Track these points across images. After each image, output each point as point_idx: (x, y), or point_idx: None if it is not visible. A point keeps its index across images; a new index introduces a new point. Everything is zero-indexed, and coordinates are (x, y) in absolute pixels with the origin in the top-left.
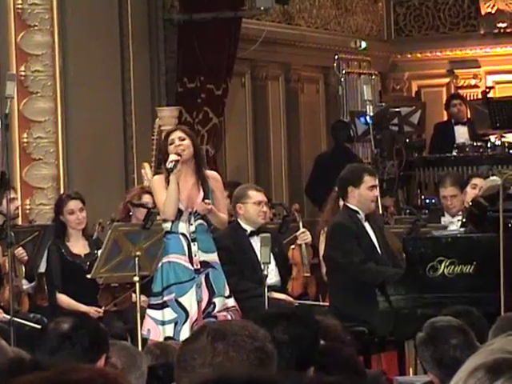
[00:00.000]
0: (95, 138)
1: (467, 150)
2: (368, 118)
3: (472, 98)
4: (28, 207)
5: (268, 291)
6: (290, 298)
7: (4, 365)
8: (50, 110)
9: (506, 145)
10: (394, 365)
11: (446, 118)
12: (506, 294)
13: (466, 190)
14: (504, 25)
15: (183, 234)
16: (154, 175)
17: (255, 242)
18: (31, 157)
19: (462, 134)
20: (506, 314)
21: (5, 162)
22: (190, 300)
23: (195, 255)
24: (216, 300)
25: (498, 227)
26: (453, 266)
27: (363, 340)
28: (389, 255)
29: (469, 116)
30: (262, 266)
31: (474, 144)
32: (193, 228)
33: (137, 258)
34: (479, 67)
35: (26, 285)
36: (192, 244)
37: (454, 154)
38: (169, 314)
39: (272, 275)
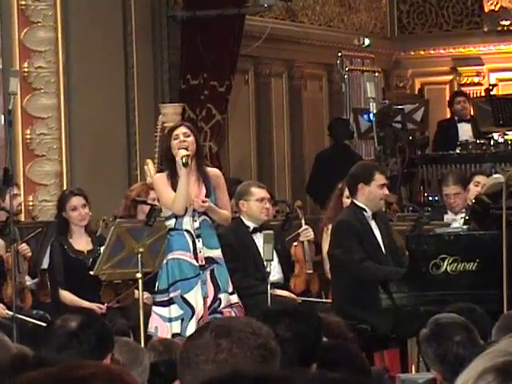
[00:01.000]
0: (98, 135)
1: (470, 147)
2: (371, 115)
3: (475, 95)
4: (31, 203)
5: (271, 288)
6: (293, 295)
7: (7, 361)
8: (53, 106)
9: (509, 142)
10: (396, 362)
11: (449, 116)
12: (509, 292)
13: (468, 188)
14: (507, 22)
15: (187, 231)
16: (157, 172)
17: (258, 239)
18: (34, 153)
19: (465, 131)
20: (508, 311)
21: (8, 159)
22: (195, 296)
23: (200, 251)
24: (221, 296)
25: (500, 225)
26: (456, 264)
27: (365, 337)
28: (394, 254)
29: (472, 113)
30: (265, 263)
31: (477, 141)
32: (197, 224)
33: (139, 255)
34: (482, 65)
35: (28, 281)
36: (197, 240)
37: (457, 151)
38: (175, 310)
39: (275, 272)
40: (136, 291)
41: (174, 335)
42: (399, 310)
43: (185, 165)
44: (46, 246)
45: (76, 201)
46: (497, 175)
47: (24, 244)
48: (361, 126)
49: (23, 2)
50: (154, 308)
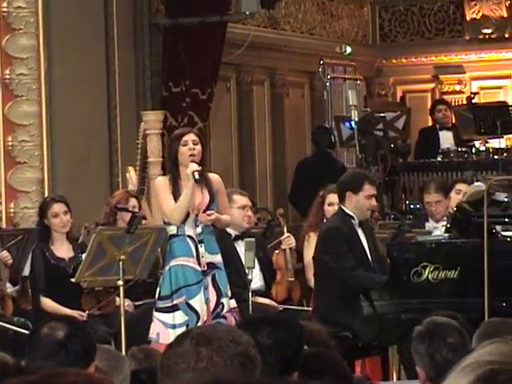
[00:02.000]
0: (80, 142)
1: (452, 155)
2: (353, 123)
3: (457, 103)
4: (12, 211)
5: (252, 296)
6: (274, 303)
7: None
8: (35, 113)
9: (491, 150)
10: (377, 370)
11: (430, 124)
12: (490, 300)
13: (450, 196)
14: (489, 30)
15: (190, 237)
16: (138, 179)
17: (240, 247)
18: (16, 160)
19: (446, 139)
20: (489, 319)
21: None
22: (200, 302)
23: (202, 256)
24: (224, 300)
25: (482, 233)
26: (437, 272)
27: (347, 345)
28: (379, 261)
29: (453, 122)
30: (247, 271)
31: (459, 149)
32: (199, 230)
33: (121, 262)
34: (464, 73)
35: (9, 288)
36: (199, 246)
37: (439, 159)
38: (180, 316)
39: (256, 280)
40: (117, 298)
41: None
42: (380, 318)
43: (197, 181)
44: (28, 253)
45: (57, 208)
46: (478, 183)
47: (5, 251)
48: (343, 133)
49: (5, 9)
50: (157, 314)
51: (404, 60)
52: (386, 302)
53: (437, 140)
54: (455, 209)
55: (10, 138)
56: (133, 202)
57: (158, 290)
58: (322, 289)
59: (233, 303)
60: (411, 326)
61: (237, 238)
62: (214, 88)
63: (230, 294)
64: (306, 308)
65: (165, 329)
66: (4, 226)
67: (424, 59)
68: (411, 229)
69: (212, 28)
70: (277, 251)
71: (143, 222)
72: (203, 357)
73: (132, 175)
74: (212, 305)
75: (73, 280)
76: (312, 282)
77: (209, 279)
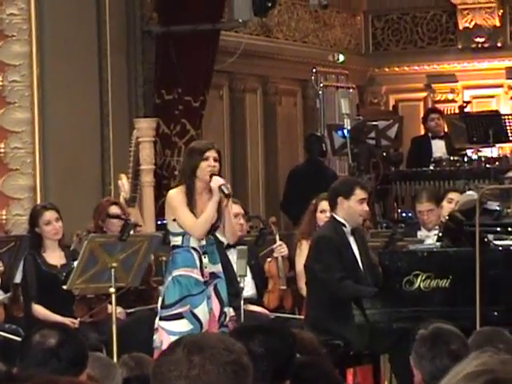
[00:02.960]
0: (72, 149)
1: (444, 164)
2: (345, 131)
3: (449, 112)
4: (4, 217)
5: (244, 304)
6: (266, 311)
7: None
8: (27, 120)
9: (483, 159)
10: (369, 378)
11: (423, 132)
12: (482, 309)
13: (442, 205)
14: (482, 40)
15: (194, 248)
16: (131, 186)
17: (232, 255)
18: (8, 167)
19: (439, 148)
20: (481, 328)
21: None
22: (203, 311)
23: (206, 267)
24: (226, 310)
25: (474, 241)
26: (429, 280)
27: (339, 353)
28: (370, 270)
29: (446, 130)
30: (239, 279)
31: (451, 158)
32: (203, 241)
33: (113, 270)
34: (457, 82)
35: (1, 295)
36: (203, 257)
37: (431, 168)
38: (185, 325)
39: (248, 288)
40: (109, 306)
41: None
42: (372, 327)
43: (227, 196)
44: (19, 260)
45: (49, 215)
46: (470, 192)
47: None
48: (335, 142)
49: None
50: (161, 323)
51: (396, 69)
52: (378, 310)
53: (429, 149)
54: (447, 218)
55: (2, 145)
56: (113, 209)
57: (160, 299)
58: (313, 297)
59: (231, 311)
60: (403, 334)
61: (229, 245)
62: (206, 96)
63: (229, 302)
64: (297, 316)
65: (168, 337)
66: None
67: (416, 68)
68: (403, 237)
69: (205, 36)
70: (269, 259)
71: (138, 229)
72: (195, 365)
73: (124, 182)
74: (216, 314)
75: (65, 287)
76: (304, 291)
77: (211, 289)
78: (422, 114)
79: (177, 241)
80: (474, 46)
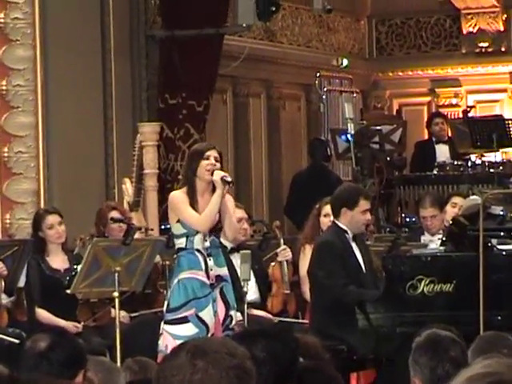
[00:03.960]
0: (76, 153)
1: (448, 168)
2: (349, 135)
3: (453, 116)
4: (8, 222)
5: (247, 308)
6: (270, 315)
7: None
8: (31, 124)
9: (487, 164)
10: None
11: (426, 137)
12: (485, 314)
13: (445, 209)
14: (485, 44)
15: (198, 250)
16: (134, 190)
17: (235, 259)
18: (12, 171)
19: (442, 152)
20: (485, 333)
21: None
22: (209, 314)
23: (211, 269)
24: (232, 313)
25: (477, 246)
26: (432, 285)
27: (342, 358)
28: (373, 275)
29: (450, 135)
30: (242, 283)
31: (455, 163)
32: (207, 243)
33: (116, 274)
34: (460, 86)
35: (5, 299)
36: (208, 259)
37: (435, 172)
38: (190, 329)
39: (252, 292)
40: (112, 310)
41: None
42: (375, 331)
43: (230, 183)
44: (23, 265)
45: (52, 219)
46: (474, 197)
47: (0, 262)
48: (339, 146)
49: (2, 20)
50: (166, 326)
51: (400, 73)
52: (382, 314)
53: (433, 153)
54: (451, 222)
55: (6, 149)
56: (113, 214)
57: (166, 302)
58: (317, 303)
59: (239, 316)
60: (406, 339)
61: (232, 250)
62: (210, 100)
63: (236, 306)
64: (301, 320)
65: (173, 341)
66: (0, 237)
67: (420, 72)
68: (407, 242)
69: (208, 40)
70: (273, 263)
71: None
72: (199, 369)
73: (128, 187)
74: (221, 317)
75: (68, 291)
76: (307, 295)
77: (217, 292)
78: (425, 119)
79: (181, 243)
80: (477, 50)
